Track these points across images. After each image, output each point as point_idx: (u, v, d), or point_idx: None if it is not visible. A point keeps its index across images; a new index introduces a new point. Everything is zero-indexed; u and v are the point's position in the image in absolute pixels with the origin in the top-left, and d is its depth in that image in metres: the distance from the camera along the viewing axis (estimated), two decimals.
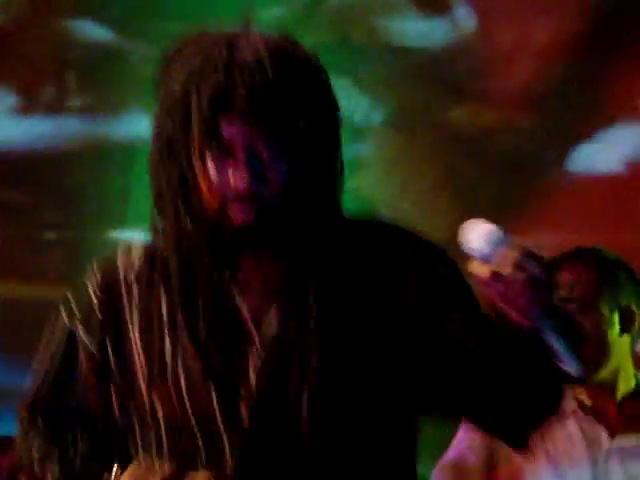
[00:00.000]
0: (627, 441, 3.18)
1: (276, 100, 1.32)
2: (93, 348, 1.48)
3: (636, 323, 3.00)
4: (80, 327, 1.49)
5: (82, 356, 1.50)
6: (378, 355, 1.43)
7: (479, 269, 1.39)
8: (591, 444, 3.19)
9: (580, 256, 2.81)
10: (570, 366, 1.48)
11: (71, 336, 1.49)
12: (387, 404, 1.46)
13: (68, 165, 5.05)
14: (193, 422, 1.40)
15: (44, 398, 1.52)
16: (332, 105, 1.40)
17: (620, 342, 2.86)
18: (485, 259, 1.38)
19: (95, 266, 1.51)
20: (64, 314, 1.50)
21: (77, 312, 1.50)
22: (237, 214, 1.34)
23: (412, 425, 1.48)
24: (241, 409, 1.39)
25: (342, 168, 1.43)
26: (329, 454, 1.38)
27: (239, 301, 1.40)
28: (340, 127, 1.43)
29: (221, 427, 1.40)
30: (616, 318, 2.78)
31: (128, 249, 1.51)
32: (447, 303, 1.45)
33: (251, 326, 1.42)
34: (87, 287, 1.51)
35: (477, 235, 1.39)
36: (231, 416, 1.40)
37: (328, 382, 1.38)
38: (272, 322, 1.40)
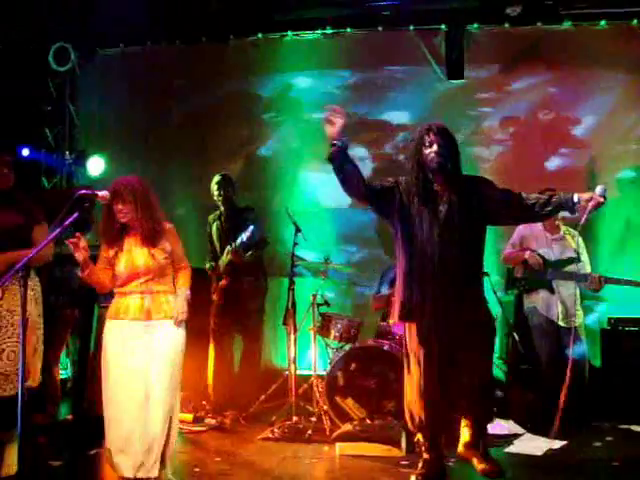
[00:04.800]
0: None
1: (444, 132, 3.78)
2: (398, 190, 3.86)
3: None
4: (395, 185, 3.87)
5: (396, 189, 3.85)
6: (477, 209, 3.77)
7: None
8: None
9: None
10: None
11: (395, 182, 3.88)
12: (480, 220, 3.85)
13: None
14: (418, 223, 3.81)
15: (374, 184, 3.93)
16: (455, 140, 3.86)
17: None
18: None
19: (399, 178, 3.88)
20: (395, 183, 3.87)
21: (395, 182, 3.87)
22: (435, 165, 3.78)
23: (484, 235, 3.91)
24: (436, 225, 3.74)
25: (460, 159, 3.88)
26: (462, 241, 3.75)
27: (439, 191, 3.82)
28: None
29: (429, 228, 3.75)
30: None
31: (403, 178, 3.89)
32: (490, 189, 3.87)
33: (442, 197, 3.77)
34: (398, 179, 3.88)
35: None
36: (434, 225, 3.74)
37: (460, 211, 3.76)
38: (447, 196, 3.77)
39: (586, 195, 3.54)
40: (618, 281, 5.20)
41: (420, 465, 3.83)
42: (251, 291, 5.67)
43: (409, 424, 3.89)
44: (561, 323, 5.18)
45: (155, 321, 3.60)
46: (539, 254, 5.22)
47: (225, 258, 5.53)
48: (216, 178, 5.75)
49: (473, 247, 3.82)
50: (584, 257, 5.34)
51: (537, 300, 5.25)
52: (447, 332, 3.71)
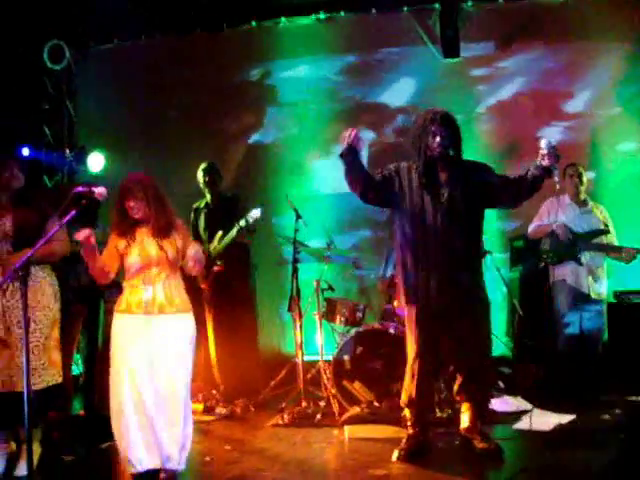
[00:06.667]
0: None
1: (448, 121, 3.80)
2: (398, 178, 3.91)
3: None
4: (394, 174, 3.91)
5: (396, 177, 3.90)
6: (476, 189, 3.81)
7: None
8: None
9: None
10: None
11: (395, 171, 3.93)
12: (480, 205, 3.89)
13: None
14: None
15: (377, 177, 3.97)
16: (458, 127, 3.86)
17: None
18: None
19: (400, 165, 3.93)
20: (396, 172, 3.94)
21: (395, 170, 3.93)
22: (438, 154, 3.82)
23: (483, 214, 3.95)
24: (439, 210, 3.79)
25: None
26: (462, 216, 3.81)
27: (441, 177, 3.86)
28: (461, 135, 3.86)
29: (432, 212, 3.81)
30: None
31: (404, 164, 3.95)
32: (489, 175, 3.90)
33: (444, 183, 3.81)
34: (399, 166, 3.93)
35: None
36: (436, 210, 3.80)
37: (461, 196, 3.80)
38: (449, 182, 3.81)
39: (539, 157, 3.61)
40: None
41: (404, 440, 3.98)
42: (241, 278, 5.66)
43: (401, 398, 4.06)
44: (591, 294, 5.18)
45: (167, 315, 3.57)
46: (567, 226, 5.20)
47: (217, 244, 5.48)
48: (202, 165, 5.74)
49: (474, 231, 3.90)
50: (612, 230, 5.33)
51: (566, 272, 5.22)
52: (446, 316, 3.82)
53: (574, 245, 5.18)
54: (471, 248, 3.87)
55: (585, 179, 5.36)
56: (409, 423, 4.02)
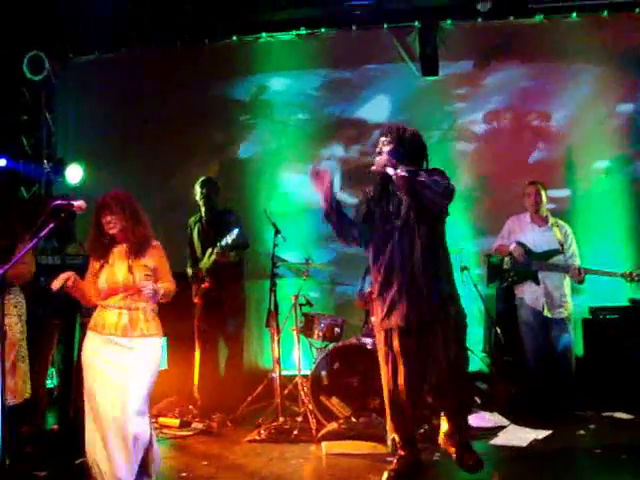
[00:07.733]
0: None
1: (396, 136, 3.73)
2: (367, 205, 3.86)
3: None
4: (365, 198, 3.88)
5: (365, 204, 3.86)
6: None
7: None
8: None
9: None
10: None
11: (364, 199, 3.87)
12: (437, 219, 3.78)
13: None
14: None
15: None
16: (422, 144, 3.80)
17: None
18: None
19: (366, 190, 3.90)
20: (364, 197, 3.89)
21: (365, 196, 3.88)
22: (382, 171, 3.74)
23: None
24: (397, 228, 3.70)
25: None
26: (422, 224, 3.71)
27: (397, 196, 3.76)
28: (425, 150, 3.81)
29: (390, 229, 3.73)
30: None
31: (368, 190, 3.94)
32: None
33: (400, 203, 3.71)
34: (365, 192, 3.93)
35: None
36: (393, 226, 3.72)
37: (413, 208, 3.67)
38: (406, 202, 3.69)
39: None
40: (596, 272, 5.18)
41: (394, 461, 3.88)
42: (232, 293, 5.65)
43: (387, 424, 3.97)
44: (547, 314, 5.18)
45: (131, 339, 3.51)
46: (523, 245, 5.23)
47: (207, 260, 5.51)
48: (200, 179, 5.77)
49: (434, 244, 3.76)
50: (572, 248, 5.32)
51: (524, 292, 5.27)
52: (417, 332, 3.72)
53: (530, 264, 5.21)
54: (434, 261, 3.73)
55: (544, 197, 5.37)
56: (398, 445, 3.92)
